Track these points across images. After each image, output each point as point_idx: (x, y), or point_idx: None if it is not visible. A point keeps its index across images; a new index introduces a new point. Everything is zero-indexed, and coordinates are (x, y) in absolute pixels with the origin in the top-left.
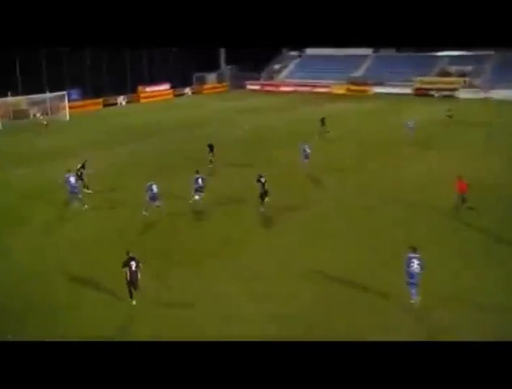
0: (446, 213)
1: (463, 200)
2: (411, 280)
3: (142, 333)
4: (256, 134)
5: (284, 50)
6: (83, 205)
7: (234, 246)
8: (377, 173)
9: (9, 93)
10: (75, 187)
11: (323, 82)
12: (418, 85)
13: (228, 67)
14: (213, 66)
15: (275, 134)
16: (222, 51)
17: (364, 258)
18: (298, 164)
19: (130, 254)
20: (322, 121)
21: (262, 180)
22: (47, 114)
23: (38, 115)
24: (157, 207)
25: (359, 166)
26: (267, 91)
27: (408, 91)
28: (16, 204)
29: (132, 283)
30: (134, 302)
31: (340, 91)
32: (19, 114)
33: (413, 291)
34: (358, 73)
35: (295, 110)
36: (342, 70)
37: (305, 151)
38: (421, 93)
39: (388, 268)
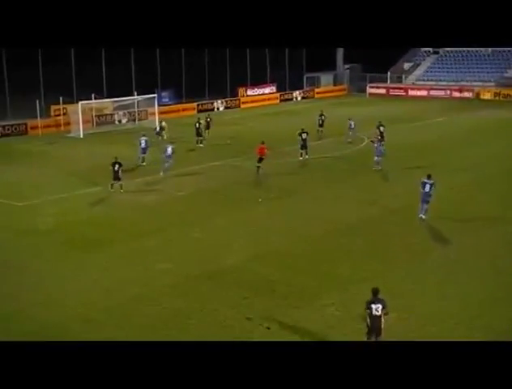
0: None
1: (259, 161)
2: (427, 199)
3: None
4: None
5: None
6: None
7: None
8: None
9: (93, 95)
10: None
11: (466, 84)
12: None
13: (347, 66)
14: (328, 66)
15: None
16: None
17: None
18: None
19: (118, 160)
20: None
21: (304, 136)
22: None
23: (124, 121)
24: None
25: None
26: (394, 95)
27: None
28: None
29: (115, 179)
30: (112, 190)
31: (487, 95)
32: (104, 120)
33: (425, 207)
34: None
35: (426, 121)
36: (489, 69)
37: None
38: None
39: None
